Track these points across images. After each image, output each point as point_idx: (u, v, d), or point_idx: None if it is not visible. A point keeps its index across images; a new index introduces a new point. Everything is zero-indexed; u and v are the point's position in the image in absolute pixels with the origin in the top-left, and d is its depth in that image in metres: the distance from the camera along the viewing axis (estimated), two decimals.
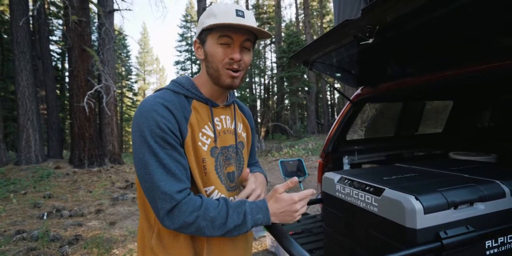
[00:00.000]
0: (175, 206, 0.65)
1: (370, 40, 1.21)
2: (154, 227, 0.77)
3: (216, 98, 0.86)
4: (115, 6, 7.75)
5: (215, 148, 0.81)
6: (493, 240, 0.85)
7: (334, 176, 1.14)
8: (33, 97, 7.25)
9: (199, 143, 0.77)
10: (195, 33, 0.84)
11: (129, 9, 7.32)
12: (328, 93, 24.86)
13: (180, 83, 0.81)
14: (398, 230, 0.80)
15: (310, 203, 1.41)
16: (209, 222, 0.67)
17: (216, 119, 0.84)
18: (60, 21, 14.74)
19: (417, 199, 0.77)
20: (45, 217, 3.97)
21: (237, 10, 0.74)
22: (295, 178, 0.73)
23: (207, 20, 0.75)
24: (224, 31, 0.73)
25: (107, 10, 7.34)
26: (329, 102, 27.13)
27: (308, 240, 1.60)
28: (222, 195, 0.79)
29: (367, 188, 0.95)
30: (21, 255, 2.74)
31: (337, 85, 20.97)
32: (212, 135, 0.81)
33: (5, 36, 12.28)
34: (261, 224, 0.72)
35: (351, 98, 2.01)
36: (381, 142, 2.37)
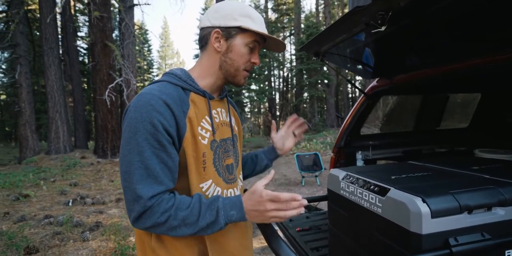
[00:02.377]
0: (148, 208, 0.64)
1: (383, 28, 1.11)
2: None
3: (213, 91, 0.84)
4: (135, 1, 7.88)
5: (214, 141, 0.80)
6: None
7: (339, 173, 1.08)
8: (61, 91, 7.65)
9: (199, 137, 0.75)
10: (210, 20, 0.80)
11: (148, 4, 7.44)
12: (349, 85, 24.05)
13: (177, 74, 0.78)
14: (402, 234, 0.73)
15: (316, 200, 1.37)
16: (181, 221, 0.65)
17: (213, 111, 0.82)
18: (87, 18, 15.32)
19: (424, 201, 0.70)
20: (70, 204, 4.23)
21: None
22: (272, 172, 0.70)
23: (243, 19, 0.76)
24: (258, 38, 0.79)
25: (127, 5, 7.50)
26: (350, 95, 26.29)
27: (315, 238, 1.55)
28: (197, 193, 0.76)
29: (371, 187, 0.88)
30: (47, 238, 2.94)
31: (359, 78, 20.24)
32: (210, 128, 0.79)
33: (37, 33, 12.98)
34: (235, 221, 0.68)
35: (365, 91, 1.90)
36: (399, 137, 2.23)
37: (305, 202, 0.65)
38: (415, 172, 1.02)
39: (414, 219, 0.70)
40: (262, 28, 0.78)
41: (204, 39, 0.80)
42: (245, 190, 1.00)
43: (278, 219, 0.66)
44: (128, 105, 0.72)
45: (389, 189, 0.81)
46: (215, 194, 0.80)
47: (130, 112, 0.68)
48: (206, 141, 0.77)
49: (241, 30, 0.76)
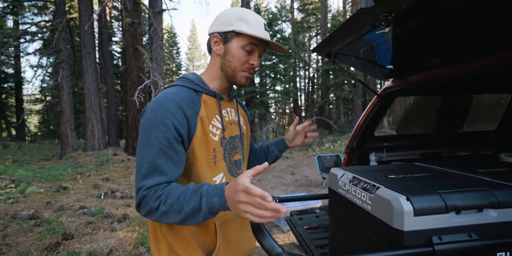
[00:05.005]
0: (145, 196, 0.69)
1: (387, 29, 1.12)
2: None
3: (223, 92, 0.92)
4: (164, 6, 8.31)
5: (223, 138, 0.87)
6: (509, 253, 0.75)
7: (338, 172, 1.11)
8: (97, 92, 8.26)
9: (210, 134, 0.82)
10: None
11: (175, 9, 7.82)
12: (378, 86, 23.11)
13: (189, 78, 0.86)
14: (386, 230, 0.76)
15: (317, 197, 1.40)
16: (169, 206, 0.66)
17: (223, 111, 0.90)
18: (121, 23, 16.33)
19: (408, 199, 0.72)
20: (102, 197, 4.58)
21: (264, 24, 0.84)
22: (265, 164, 0.62)
23: (238, 24, 0.81)
24: (254, 41, 0.82)
25: (156, 11, 7.92)
26: None
27: (321, 236, 1.58)
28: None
29: (364, 185, 0.91)
30: (81, 227, 3.23)
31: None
32: (221, 126, 0.86)
33: (77, 39, 14.10)
34: (218, 208, 0.65)
35: (379, 92, 1.88)
36: (416, 139, 2.17)
37: (283, 209, 0.56)
38: (415, 172, 1.02)
39: (396, 216, 0.72)
40: (257, 31, 0.81)
41: (208, 45, 0.88)
42: None
43: (251, 216, 0.59)
44: (146, 106, 0.80)
45: (379, 187, 0.84)
46: None
47: (147, 112, 0.77)
48: (216, 138, 0.84)
49: (236, 34, 0.82)
